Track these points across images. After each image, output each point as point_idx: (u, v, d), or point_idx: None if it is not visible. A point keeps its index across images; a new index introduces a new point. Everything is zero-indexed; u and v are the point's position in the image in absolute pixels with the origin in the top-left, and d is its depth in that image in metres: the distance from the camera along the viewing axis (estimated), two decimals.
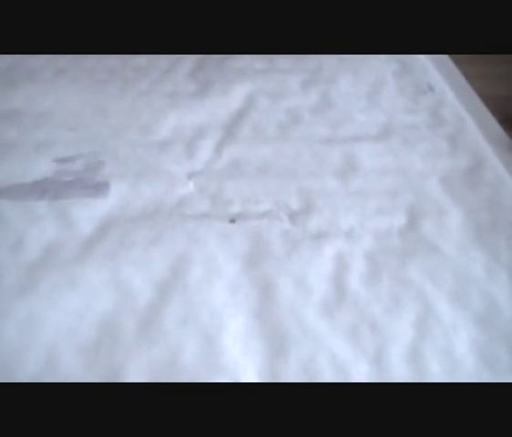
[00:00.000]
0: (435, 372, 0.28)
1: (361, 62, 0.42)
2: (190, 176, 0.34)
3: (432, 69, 0.42)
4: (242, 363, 0.27)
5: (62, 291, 0.28)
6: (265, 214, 0.33)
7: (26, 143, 0.37)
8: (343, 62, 0.42)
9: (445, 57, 0.44)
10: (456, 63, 0.43)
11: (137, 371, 0.25)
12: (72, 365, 0.25)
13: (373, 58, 0.43)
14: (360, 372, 0.27)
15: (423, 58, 0.43)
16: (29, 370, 0.25)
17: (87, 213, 0.32)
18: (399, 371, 0.28)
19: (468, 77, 0.42)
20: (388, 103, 0.40)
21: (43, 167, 0.35)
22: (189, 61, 0.42)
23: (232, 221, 0.32)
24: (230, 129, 0.37)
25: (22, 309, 0.28)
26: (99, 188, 0.33)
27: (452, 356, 0.28)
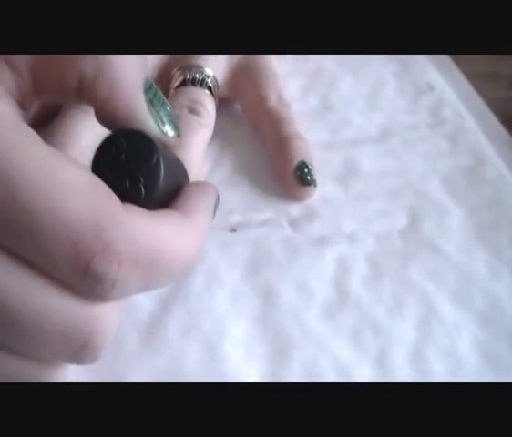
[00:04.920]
0: (439, 373, 0.28)
1: (360, 63, 0.42)
2: None
3: (432, 69, 0.42)
4: (245, 369, 0.27)
5: None
6: (266, 222, 0.33)
7: None
8: (342, 63, 0.42)
9: (445, 57, 0.43)
10: (457, 63, 0.43)
11: (140, 382, 0.26)
12: (74, 378, 0.26)
13: (373, 59, 0.43)
14: (363, 374, 0.27)
15: (423, 58, 0.43)
16: None
17: None
18: (402, 373, 0.28)
19: (469, 77, 0.42)
20: (388, 104, 0.40)
21: None
22: None
23: (233, 231, 0.32)
24: (229, 137, 0.37)
25: None
26: None
27: (455, 356, 0.28)
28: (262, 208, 0.34)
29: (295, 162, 0.34)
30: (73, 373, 0.25)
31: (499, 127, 0.39)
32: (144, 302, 0.29)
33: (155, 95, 0.24)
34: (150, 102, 0.23)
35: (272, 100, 0.36)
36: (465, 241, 0.33)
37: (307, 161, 0.34)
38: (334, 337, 0.29)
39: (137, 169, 0.21)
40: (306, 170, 0.34)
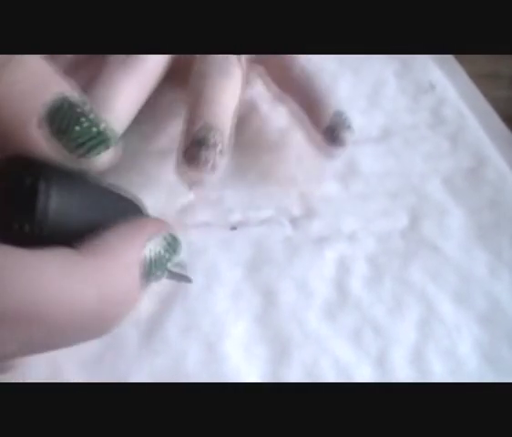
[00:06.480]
0: (439, 373, 0.28)
1: (361, 62, 0.42)
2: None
3: (433, 67, 0.42)
4: (245, 369, 0.27)
5: None
6: (266, 220, 0.33)
7: None
8: (342, 63, 0.42)
9: (446, 55, 0.43)
10: (458, 62, 0.43)
11: (140, 382, 0.26)
12: (75, 379, 0.26)
13: (374, 58, 0.42)
14: (363, 375, 0.27)
15: (424, 56, 0.43)
16: None
17: None
18: (402, 373, 0.28)
19: (470, 77, 0.42)
20: (389, 103, 0.40)
21: None
22: None
23: (233, 229, 0.32)
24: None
25: None
26: None
27: (455, 356, 0.28)
28: (263, 207, 0.34)
29: (332, 110, 0.33)
30: (72, 373, 0.25)
31: (501, 126, 0.39)
32: (144, 302, 0.29)
33: (65, 116, 0.20)
34: (58, 128, 0.20)
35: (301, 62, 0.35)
36: (465, 241, 0.33)
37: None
38: (334, 337, 0.29)
39: (23, 204, 0.19)
40: (344, 117, 0.33)
